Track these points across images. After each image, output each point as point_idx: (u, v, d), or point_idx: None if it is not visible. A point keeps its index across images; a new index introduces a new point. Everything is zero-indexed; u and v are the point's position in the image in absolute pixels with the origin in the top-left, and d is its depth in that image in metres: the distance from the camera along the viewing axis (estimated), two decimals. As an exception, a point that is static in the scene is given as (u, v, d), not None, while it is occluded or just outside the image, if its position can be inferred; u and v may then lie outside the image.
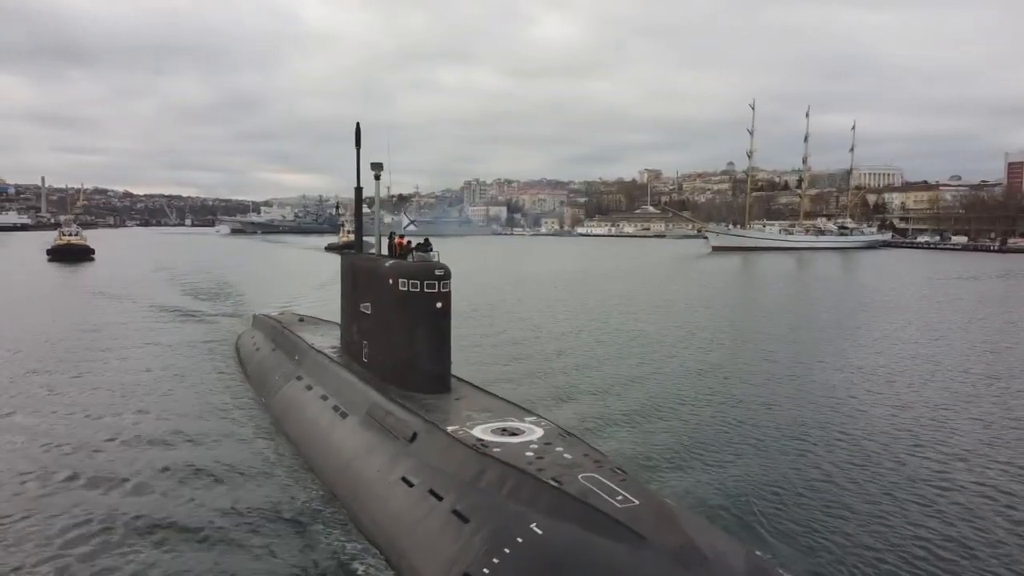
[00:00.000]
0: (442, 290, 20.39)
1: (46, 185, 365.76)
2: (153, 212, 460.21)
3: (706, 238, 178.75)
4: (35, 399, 27.80)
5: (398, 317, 20.96)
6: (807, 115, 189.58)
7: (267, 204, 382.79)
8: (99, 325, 46.33)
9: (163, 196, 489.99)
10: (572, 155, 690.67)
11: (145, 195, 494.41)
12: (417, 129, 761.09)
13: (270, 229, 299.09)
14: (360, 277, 24.12)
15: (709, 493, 18.67)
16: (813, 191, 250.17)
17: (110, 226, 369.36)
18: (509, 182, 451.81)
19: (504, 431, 16.55)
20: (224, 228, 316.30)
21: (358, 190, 27.36)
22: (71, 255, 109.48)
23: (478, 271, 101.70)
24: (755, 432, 24.19)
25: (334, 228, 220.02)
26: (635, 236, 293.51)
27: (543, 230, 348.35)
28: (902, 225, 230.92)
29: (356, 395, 21.40)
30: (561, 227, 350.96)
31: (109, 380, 30.93)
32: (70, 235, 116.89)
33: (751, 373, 33.85)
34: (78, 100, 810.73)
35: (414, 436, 17.16)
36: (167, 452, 21.51)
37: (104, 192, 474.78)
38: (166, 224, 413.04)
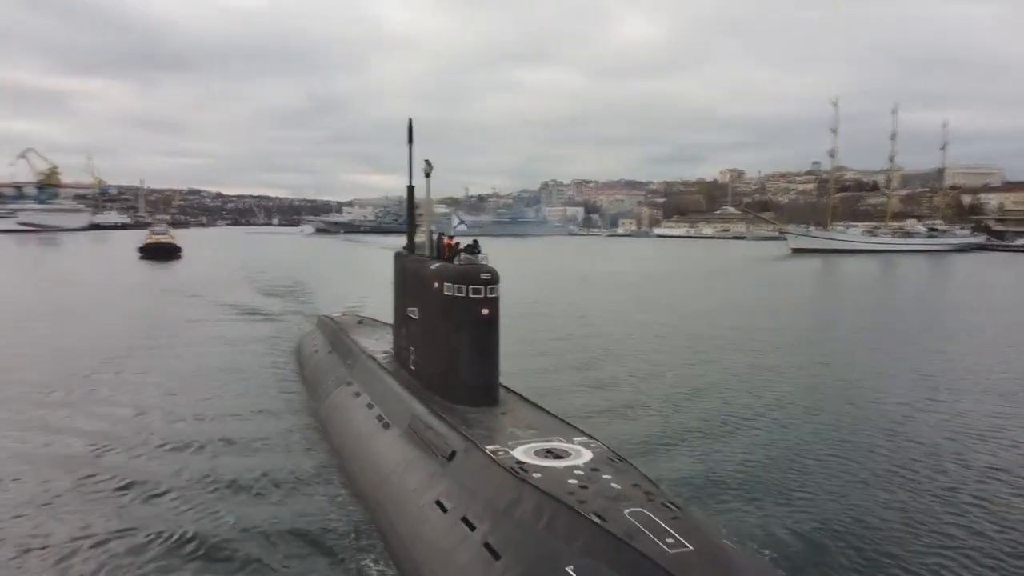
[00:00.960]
0: (489, 295, 19.01)
1: (145, 186, 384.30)
2: (243, 212, 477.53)
3: (785, 239, 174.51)
4: (88, 394, 29.03)
5: (443, 323, 19.81)
6: (894, 112, 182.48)
7: (350, 204, 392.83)
8: (171, 321, 48.70)
9: (252, 197, 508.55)
10: (652, 155, 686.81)
11: (236, 196, 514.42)
12: (497, 130, 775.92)
13: (351, 229, 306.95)
14: (409, 280, 23.24)
15: (780, 534, 16.74)
16: (903, 191, 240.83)
17: (202, 225, 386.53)
18: (587, 183, 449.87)
19: (548, 453, 15.18)
20: (308, 228, 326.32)
21: (410, 188, 26.41)
22: (160, 253, 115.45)
23: (548, 272, 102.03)
24: (837, 458, 22.15)
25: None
26: (714, 237, 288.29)
27: (620, 231, 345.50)
28: (999, 227, 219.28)
29: (400, 405, 20.42)
30: (638, 228, 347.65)
31: (165, 378, 31.71)
32: (159, 234, 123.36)
33: (827, 389, 31.94)
34: (176, 105, 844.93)
35: (452, 455, 16.03)
36: (205, 457, 21.56)
37: (198, 193, 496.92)
38: (254, 223, 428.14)
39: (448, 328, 19.59)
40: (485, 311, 18.98)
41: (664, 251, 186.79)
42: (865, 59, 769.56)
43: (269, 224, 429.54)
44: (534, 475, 13.89)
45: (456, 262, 20.13)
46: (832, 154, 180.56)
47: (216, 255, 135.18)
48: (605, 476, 13.92)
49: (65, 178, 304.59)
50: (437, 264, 20.42)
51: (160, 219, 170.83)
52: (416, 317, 21.84)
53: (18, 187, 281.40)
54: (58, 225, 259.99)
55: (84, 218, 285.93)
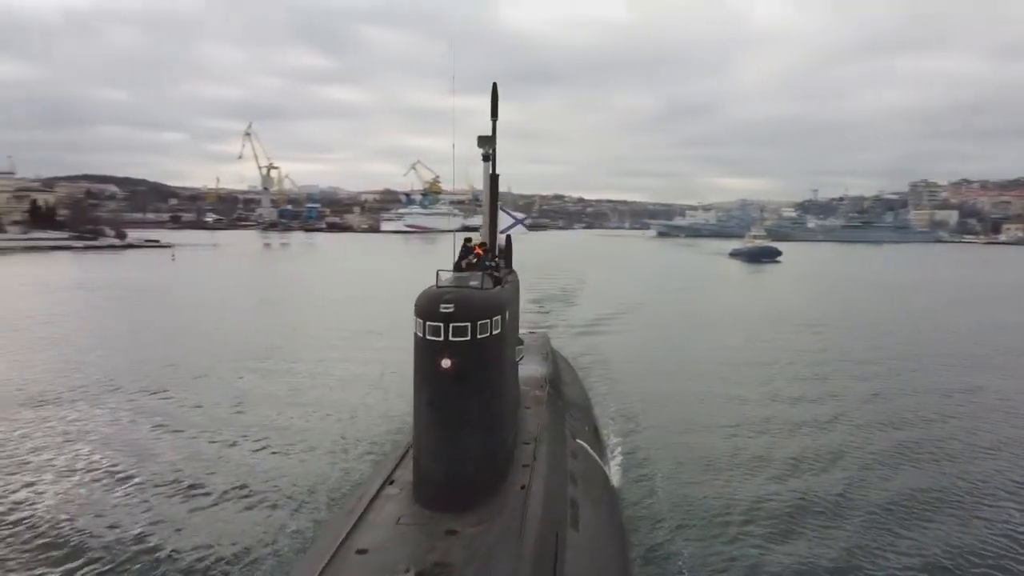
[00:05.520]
0: (453, 338, 12.95)
1: (511, 191, 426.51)
2: (597, 216, 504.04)
3: None
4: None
5: (414, 376, 14.17)
6: None
7: (694, 208, 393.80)
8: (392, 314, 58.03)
9: (609, 201, 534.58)
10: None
11: (595, 200, 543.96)
12: (868, 126, 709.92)
13: (692, 232, 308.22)
14: None
15: None
16: None
17: (559, 228, 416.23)
18: (968, 182, 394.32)
19: None
20: (651, 231, 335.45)
21: (493, 177, 19.71)
22: None
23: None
24: None
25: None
26: None
27: (1002, 237, 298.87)
28: None
29: (379, 495, 14.43)
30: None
31: (322, 392, 35.04)
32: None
33: None
34: (543, 116, 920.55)
35: None
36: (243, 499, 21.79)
37: (561, 198, 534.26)
38: (606, 227, 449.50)
39: (414, 384, 14.07)
40: (446, 363, 13.01)
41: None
42: None
43: (620, 227, 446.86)
44: None
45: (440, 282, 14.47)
46: None
47: (536, 258, 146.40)
48: None
49: (445, 186, 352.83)
50: (430, 286, 14.55)
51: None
52: None
53: (407, 194, 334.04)
54: (435, 227, 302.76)
55: (457, 221, 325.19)
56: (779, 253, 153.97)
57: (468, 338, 13.12)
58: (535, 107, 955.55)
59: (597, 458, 20.83)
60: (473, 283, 14.28)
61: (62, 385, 35.08)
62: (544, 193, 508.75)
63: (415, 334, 13.66)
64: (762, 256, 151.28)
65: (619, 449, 25.85)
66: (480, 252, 16.83)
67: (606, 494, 18.84)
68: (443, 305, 13.13)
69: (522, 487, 13.93)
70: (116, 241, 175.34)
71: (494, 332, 13.68)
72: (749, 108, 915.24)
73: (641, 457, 25.19)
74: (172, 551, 18.09)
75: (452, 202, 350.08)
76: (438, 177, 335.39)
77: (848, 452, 26.52)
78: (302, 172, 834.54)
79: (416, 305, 13.75)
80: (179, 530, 19.37)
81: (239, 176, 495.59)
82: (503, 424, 14.53)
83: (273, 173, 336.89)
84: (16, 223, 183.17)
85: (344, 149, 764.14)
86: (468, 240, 17.21)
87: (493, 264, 16.13)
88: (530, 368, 24.57)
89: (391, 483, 14.33)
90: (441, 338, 13.06)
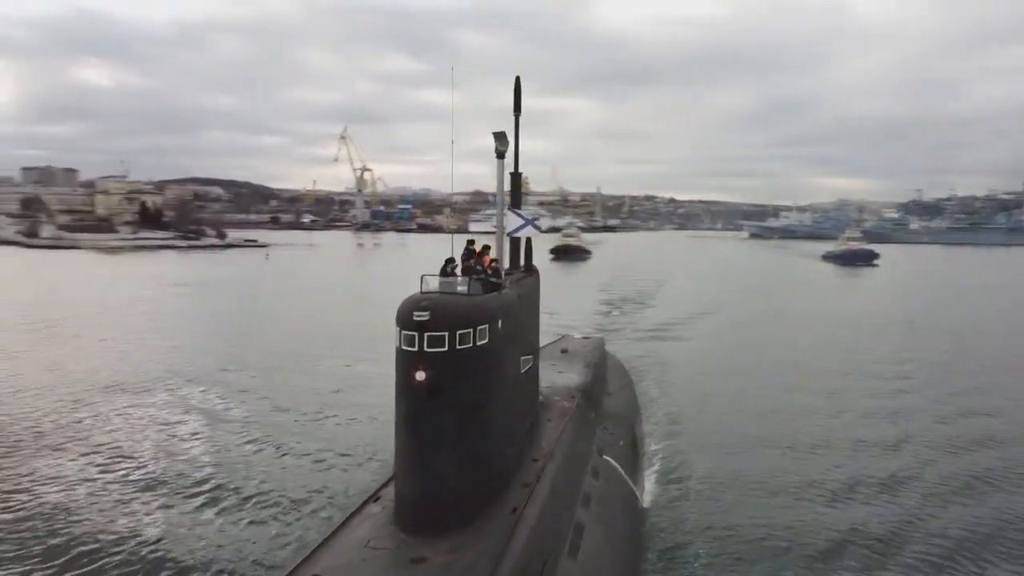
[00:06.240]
0: (428, 348, 12.31)
1: (601, 192, 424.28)
2: (689, 217, 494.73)
3: None
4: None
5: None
6: None
7: (788, 209, 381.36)
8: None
9: (702, 202, 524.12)
10: None
11: (687, 200, 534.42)
12: (980, 123, 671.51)
13: (786, 234, 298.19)
14: None
15: None
16: None
17: (650, 229, 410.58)
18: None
19: None
20: (744, 233, 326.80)
21: (515, 176, 19.58)
22: (569, 253, 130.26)
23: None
24: None
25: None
26: None
27: None
28: None
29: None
30: None
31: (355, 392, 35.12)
32: (569, 237, 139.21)
33: None
34: (636, 117, 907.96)
35: None
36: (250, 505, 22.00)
37: (652, 198, 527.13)
38: (698, 228, 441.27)
39: (395, 398, 13.33)
40: (420, 376, 12.38)
41: None
42: None
43: (712, 228, 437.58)
44: None
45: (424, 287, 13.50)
46: None
47: (623, 259, 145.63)
48: None
49: (536, 187, 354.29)
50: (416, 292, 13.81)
51: (569, 223, 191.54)
52: None
53: (494, 195, 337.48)
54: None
55: (544, 222, 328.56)
56: (875, 256, 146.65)
57: (445, 349, 12.28)
58: (627, 107, 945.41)
59: (625, 476, 19.68)
60: (460, 289, 13.41)
61: (151, 374, 38.94)
62: (635, 194, 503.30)
63: (395, 344, 12.84)
64: (856, 259, 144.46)
65: (661, 465, 24.51)
66: (478, 255, 15.86)
67: (627, 517, 17.69)
68: (417, 313, 12.25)
69: (513, 510, 13.07)
70: (217, 241, 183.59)
71: (478, 342, 12.70)
72: (850, 105, 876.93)
73: (687, 475, 23.67)
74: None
75: (540, 203, 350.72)
76: (526, 178, 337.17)
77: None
78: (396, 174, 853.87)
79: (397, 313, 12.85)
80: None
81: (335, 178, 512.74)
82: (490, 442, 13.60)
83: (367, 175, 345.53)
84: (127, 223, 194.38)
85: (436, 151, 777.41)
86: (471, 242, 16.18)
87: (484, 269, 14.80)
88: (565, 377, 24.03)
89: (376, 500, 13.80)
90: (415, 349, 12.29)
